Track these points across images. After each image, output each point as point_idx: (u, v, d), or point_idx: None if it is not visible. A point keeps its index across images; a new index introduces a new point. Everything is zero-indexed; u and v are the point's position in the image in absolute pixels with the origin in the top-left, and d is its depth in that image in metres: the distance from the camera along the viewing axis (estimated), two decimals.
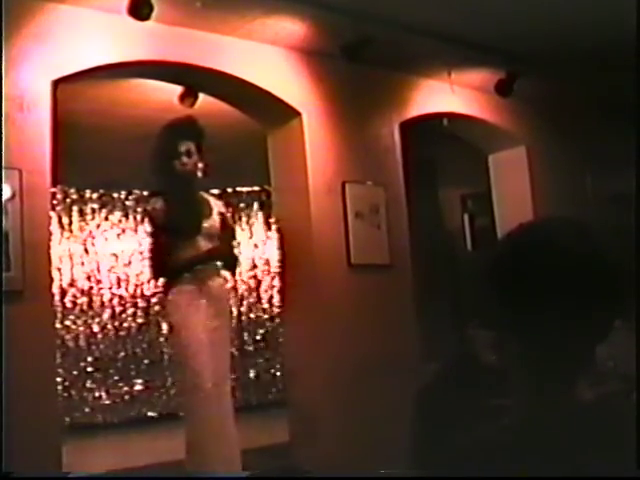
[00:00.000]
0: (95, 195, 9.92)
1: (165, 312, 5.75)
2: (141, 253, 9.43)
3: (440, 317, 8.55)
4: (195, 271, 5.40)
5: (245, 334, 10.83)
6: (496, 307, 1.60)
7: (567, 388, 1.53)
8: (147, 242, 5.75)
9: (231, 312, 5.97)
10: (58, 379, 7.08)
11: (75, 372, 9.71)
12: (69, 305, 9.76)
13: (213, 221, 5.52)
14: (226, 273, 5.83)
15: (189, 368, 5.35)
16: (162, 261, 5.46)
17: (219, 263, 5.62)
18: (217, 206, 5.68)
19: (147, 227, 5.85)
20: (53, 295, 5.95)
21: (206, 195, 5.72)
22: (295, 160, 7.13)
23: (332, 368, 6.79)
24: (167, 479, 5.94)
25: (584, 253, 1.50)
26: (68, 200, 9.89)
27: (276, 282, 9.50)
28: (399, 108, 7.74)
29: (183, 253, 5.37)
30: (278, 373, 10.24)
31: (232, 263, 5.88)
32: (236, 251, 6.23)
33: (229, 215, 5.85)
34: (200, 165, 5.56)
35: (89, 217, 10.01)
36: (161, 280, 5.65)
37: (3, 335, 4.87)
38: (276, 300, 10.06)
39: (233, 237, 6.01)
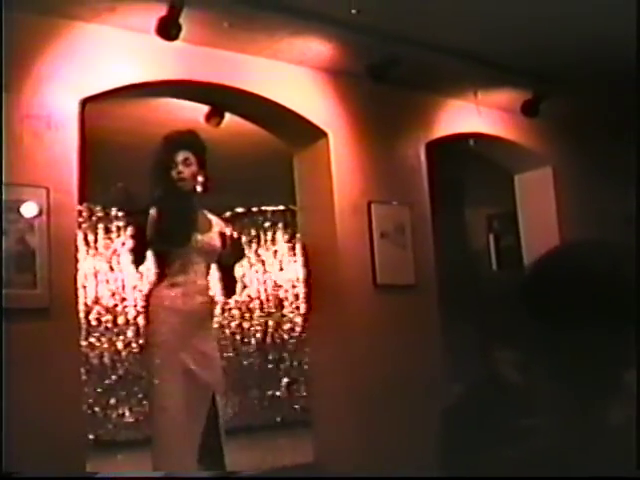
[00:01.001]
0: (120, 213, 9.96)
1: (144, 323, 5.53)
2: None
3: (465, 337, 8.50)
4: (179, 285, 5.22)
5: (270, 354, 10.83)
6: (526, 328, 1.59)
7: (597, 410, 1.52)
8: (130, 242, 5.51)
9: (213, 335, 5.70)
10: (82, 396, 7.08)
11: (99, 389, 9.73)
12: (94, 323, 9.80)
13: (210, 238, 5.29)
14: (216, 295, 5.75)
15: (158, 389, 5.15)
16: (144, 252, 5.27)
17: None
18: (219, 226, 5.48)
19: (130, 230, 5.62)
20: (79, 312, 5.94)
21: (209, 214, 5.51)
22: (321, 180, 7.13)
23: (357, 388, 6.77)
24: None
25: (616, 276, 1.49)
26: (94, 218, 9.95)
27: (301, 302, 9.52)
28: (425, 128, 7.74)
29: (173, 264, 5.21)
30: (303, 393, 10.22)
31: (230, 290, 5.69)
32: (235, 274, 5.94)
33: (234, 236, 5.57)
34: (200, 179, 5.33)
35: (114, 235, 10.05)
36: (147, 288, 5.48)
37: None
38: (301, 320, 10.08)
39: (234, 260, 5.55)
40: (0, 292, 5.05)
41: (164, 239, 5.14)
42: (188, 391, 5.12)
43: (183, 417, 5.08)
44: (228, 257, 5.39)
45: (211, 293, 5.52)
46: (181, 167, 5.26)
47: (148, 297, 5.33)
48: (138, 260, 5.35)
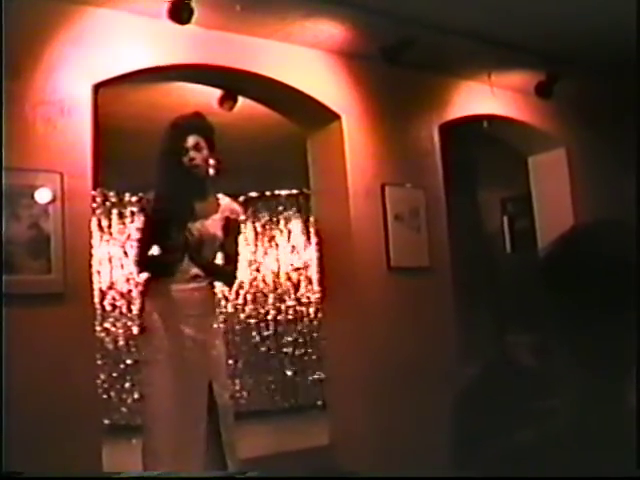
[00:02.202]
0: (134, 198, 9.98)
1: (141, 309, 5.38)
2: None
3: (479, 320, 8.50)
4: (181, 275, 5.15)
5: (284, 337, 10.84)
6: (542, 309, 1.58)
7: (615, 392, 1.51)
8: (136, 236, 5.44)
9: (215, 322, 5.62)
10: (97, 381, 7.10)
11: (114, 374, 9.77)
12: (108, 308, 9.83)
13: (213, 220, 5.29)
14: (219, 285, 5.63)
15: (146, 376, 5.14)
16: (147, 256, 5.23)
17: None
18: (228, 210, 5.35)
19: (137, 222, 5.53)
20: (93, 297, 5.96)
21: (224, 197, 5.39)
22: (334, 163, 7.12)
23: (371, 371, 6.77)
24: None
25: (632, 256, 1.48)
26: (108, 203, 9.97)
27: (315, 285, 9.52)
28: (439, 110, 7.71)
29: (171, 242, 5.10)
30: (317, 376, 10.23)
31: (231, 279, 5.63)
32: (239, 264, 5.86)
33: (240, 222, 5.50)
34: (211, 161, 5.24)
35: (128, 220, 10.07)
36: (143, 275, 5.35)
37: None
38: (315, 303, 10.09)
39: (237, 248, 5.46)
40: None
41: (164, 213, 5.06)
42: (178, 379, 5.04)
43: (170, 405, 4.98)
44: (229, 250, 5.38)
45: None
46: (192, 153, 5.16)
47: (146, 284, 5.29)
48: (141, 267, 5.34)
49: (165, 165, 5.21)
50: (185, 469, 4.95)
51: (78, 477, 4.82)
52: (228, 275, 5.54)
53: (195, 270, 5.18)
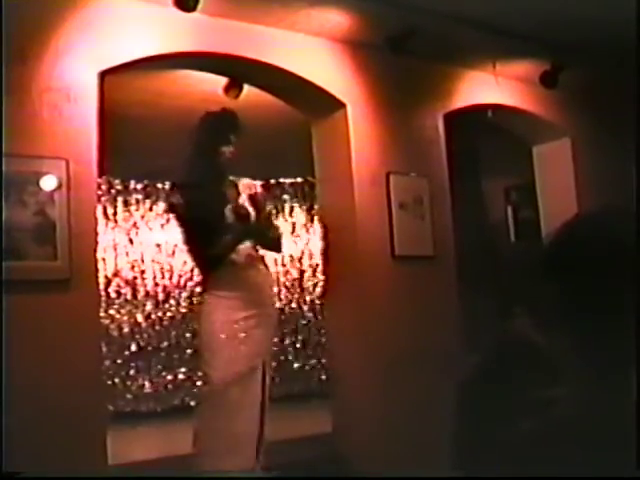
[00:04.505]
0: (139, 186, 10.00)
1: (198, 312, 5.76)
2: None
3: (483, 308, 8.52)
4: (231, 263, 5.40)
5: (288, 325, 10.86)
6: (546, 297, 1.59)
7: (619, 379, 1.52)
8: (180, 238, 5.69)
9: (273, 303, 5.84)
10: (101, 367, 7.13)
11: (119, 361, 9.80)
12: (113, 295, 9.85)
13: (239, 204, 5.47)
14: (268, 255, 5.87)
15: (203, 358, 5.42)
16: (200, 253, 5.50)
17: (259, 247, 5.61)
18: (247, 189, 5.63)
19: (174, 222, 5.77)
20: (99, 284, 5.98)
21: (236, 179, 5.65)
22: (339, 151, 7.12)
23: (375, 359, 6.79)
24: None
25: (636, 243, 1.49)
26: (113, 191, 9.99)
27: (319, 273, 9.54)
28: (443, 99, 7.71)
29: (214, 242, 5.35)
30: (321, 364, 10.25)
31: (274, 239, 5.79)
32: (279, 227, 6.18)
33: (262, 198, 5.75)
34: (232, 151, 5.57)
35: (133, 208, 10.09)
36: (199, 276, 5.69)
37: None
38: (319, 291, 10.10)
39: (269, 216, 5.90)
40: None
41: (199, 223, 5.32)
42: (240, 360, 5.30)
43: (236, 390, 5.26)
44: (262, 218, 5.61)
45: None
46: (232, 147, 5.48)
47: (205, 282, 5.56)
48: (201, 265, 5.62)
49: (203, 157, 5.51)
50: (239, 453, 5.23)
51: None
52: (278, 240, 5.85)
53: (248, 250, 5.45)
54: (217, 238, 5.33)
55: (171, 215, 5.78)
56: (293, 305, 10.91)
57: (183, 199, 5.35)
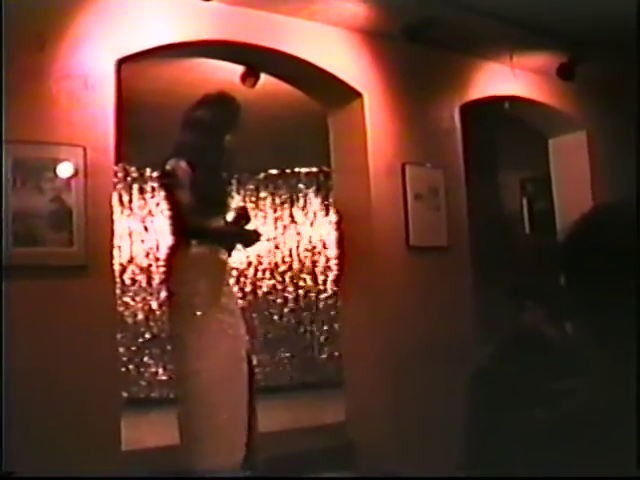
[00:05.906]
0: (155, 173, 10.02)
1: (168, 275, 5.51)
2: None
3: (497, 299, 8.51)
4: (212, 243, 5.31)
5: (303, 314, 10.88)
6: (561, 290, 1.59)
7: (633, 372, 1.51)
8: (168, 200, 5.45)
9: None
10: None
11: (133, 347, 9.85)
12: (128, 282, 9.89)
13: (244, 206, 5.47)
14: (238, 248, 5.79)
15: (189, 350, 5.14)
16: (181, 220, 5.30)
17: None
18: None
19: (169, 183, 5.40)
20: (114, 271, 6.00)
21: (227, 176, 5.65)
22: (355, 141, 7.12)
23: (388, 348, 6.80)
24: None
25: None
26: (129, 178, 10.02)
27: (334, 263, 9.54)
28: (460, 90, 7.70)
29: (205, 216, 5.26)
30: (335, 353, 10.26)
31: (253, 243, 5.72)
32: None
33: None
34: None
35: (149, 195, 10.12)
36: (173, 238, 5.41)
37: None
38: (334, 281, 10.11)
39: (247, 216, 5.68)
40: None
41: (202, 202, 5.21)
42: (224, 353, 5.13)
43: (219, 382, 5.07)
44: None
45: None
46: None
47: (173, 255, 5.41)
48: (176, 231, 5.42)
49: (212, 139, 5.42)
50: (228, 443, 5.06)
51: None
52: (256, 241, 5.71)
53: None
54: (209, 212, 5.29)
55: (168, 180, 5.40)
56: (308, 294, 10.93)
57: (189, 169, 5.18)
